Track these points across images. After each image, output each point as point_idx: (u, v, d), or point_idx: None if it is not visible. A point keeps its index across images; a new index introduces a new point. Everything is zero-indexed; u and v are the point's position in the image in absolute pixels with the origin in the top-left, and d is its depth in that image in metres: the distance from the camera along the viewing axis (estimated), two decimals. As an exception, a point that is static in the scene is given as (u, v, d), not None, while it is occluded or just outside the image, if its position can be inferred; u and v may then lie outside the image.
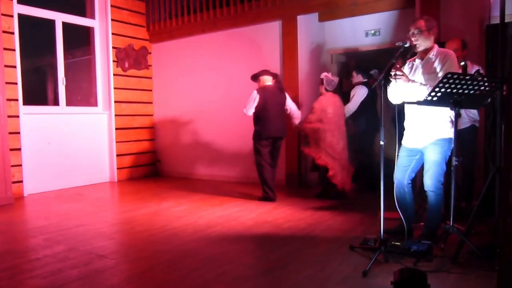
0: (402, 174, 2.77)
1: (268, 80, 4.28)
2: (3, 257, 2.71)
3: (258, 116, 4.20)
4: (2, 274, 2.39)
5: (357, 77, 4.69)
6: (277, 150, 4.33)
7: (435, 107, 2.53)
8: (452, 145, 2.58)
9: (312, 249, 2.77)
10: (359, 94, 4.52)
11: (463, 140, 3.22)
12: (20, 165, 4.80)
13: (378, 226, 2.55)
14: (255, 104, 4.17)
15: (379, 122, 4.55)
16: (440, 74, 2.53)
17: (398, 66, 2.48)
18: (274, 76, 4.32)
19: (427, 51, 2.65)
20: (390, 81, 2.50)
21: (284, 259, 2.58)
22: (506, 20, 2.68)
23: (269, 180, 4.24)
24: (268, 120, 4.17)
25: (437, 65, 2.58)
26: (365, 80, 4.62)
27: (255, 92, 4.20)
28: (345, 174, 4.23)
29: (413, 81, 2.58)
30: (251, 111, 4.21)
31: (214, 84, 5.65)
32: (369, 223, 3.31)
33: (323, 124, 4.15)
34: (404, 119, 2.75)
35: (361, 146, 4.66)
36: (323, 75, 4.29)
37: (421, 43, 2.61)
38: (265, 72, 4.29)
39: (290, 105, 4.34)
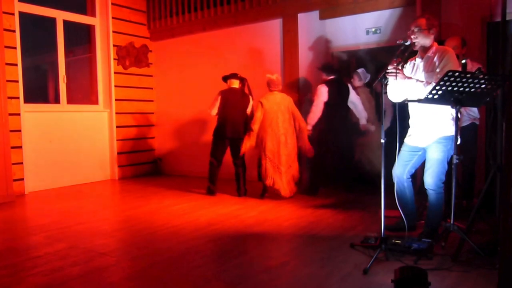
0: (401, 169, 2.77)
1: (235, 83, 4.48)
2: (5, 254, 2.71)
3: (218, 116, 4.42)
4: (4, 272, 2.40)
5: (323, 75, 4.51)
6: (238, 150, 4.36)
7: (436, 105, 2.53)
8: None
9: (313, 247, 2.77)
10: (319, 94, 4.33)
11: (464, 138, 3.21)
12: (21, 163, 4.81)
13: (378, 224, 2.55)
14: (217, 104, 4.39)
15: (348, 121, 4.45)
16: (438, 71, 2.53)
17: (395, 64, 2.47)
18: (241, 80, 4.48)
19: (426, 49, 2.65)
20: (388, 78, 2.49)
21: (285, 257, 2.59)
22: (507, 18, 2.67)
23: (212, 176, 4.48)
24: (225, 120, 4.35)
25: (435, 62, 2.58)
26: (329, 78, 4.42)
27: (218, 92, 4.44)
28: (278, 175, 4.14)
29: (410, 78, 2.58)
30: (214, 110, 4.44)
31: (214, 82, 5.64)
32: (369, 221, 3.31)
33: (262, 122, 4.20)
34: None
35: (326, 147, 4.39)
36: (267, 77, 4.31)
37: (420, 41, 2.61)
38: (234, 75, 4.51)
39: (249, 109, 4.44)
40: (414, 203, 2.87)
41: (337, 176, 4.54)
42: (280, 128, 4.17)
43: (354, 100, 4.44)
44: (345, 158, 4.52)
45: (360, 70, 4.78)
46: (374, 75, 4.82)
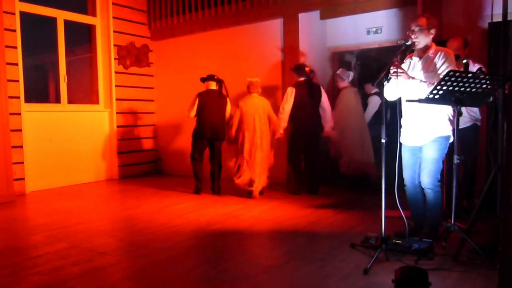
0: (411, 174, 2.77)
1: (212, 85, 4.59)
2: (5, 254, 2.72)
3: (197, 117, 4.54)
4: (4, 271, 2.40)
5: (295, 76, 4.58)
6: (216, 150, 4.55)
7: (433, 105, 2.53)
8: (450, 143, 2.59)
9: (313, 247, 2.77)
10: (284, 98, 4.42)
11: (465, 139, 3.21)
12: (22, 163, 4.81)
13: (379, 224, 2.55)
14: (195, 106, 4.51)
15: (317, 122, 4.45)
16: (440, 72, 2.53)
17: (397, 63, 2.48)
18: (218, 81, 4.58)
19: (425, 49, 2.65)
20: (389, 78, 2.49)
21: (285, 256, 2.58)
22: (509, 18, 2.67)
23: (197, 173, 4.62)
24: (204, 122, 4.47)
25: (436, 62, 2.59)
26: (300, 79, 4.43)
27: (196, 95, 4.56)
28: (252, 175, 4.26)
29: (413, 78, 2.58)
30: (192, 112, 4.56)
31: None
32: (370, 221, 3.31)
33: (240, 124, 4.34)
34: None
35: (299, 148, 4.46)
36: (247, 80, 4.44)
37: (420, 41, 2.61)
38: (211, 77, 4.62)
39: (227, 110, 4.59)
40: (424, 205, 2.87)
41: (319, 177, 4.57)
42: (257, 131, 4.28)
43: (325, 106, 4.49)
44: (321, 158, 4.59)
45: (339, 71, 4.76)
46: (376, 74, 4.80)
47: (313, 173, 4.49)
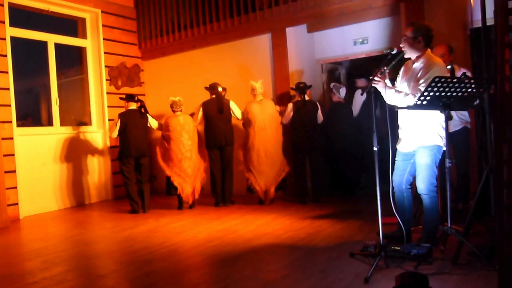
0: (399, 178, 2.80)
1: (132, 105, 4.78)
2: (0, 282, 2.66)
3: (121, 137, 4.68)
4: (0, 299, 2.35)
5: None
6: (144, 167, 4.74)
7: (423, 113, 2.57)
8: (442, 149, 2.61)
9: (313, 258, 2.76)
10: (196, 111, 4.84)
11: (456, 142, 3.26)
12: (15, 187, 4.76)
13: (377, 232, 2.56)
14: (117, 127, 4.64)
15: (229, 135, 4.71)
16: (421, 82, 2.55)
17: (379, 73, 2.52)
18: (138, 101, 4.79)
19: (417, 58, 2.69)
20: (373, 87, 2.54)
21: (285, 269, 2.57)
22: (488, 23, 2.76)
23: (132, 195, 4.68)
24: (128, 141, 4.62)
25: (421, 74, 2.60)
26: (211, 96, 4.76)
27: (117, 116, 4.71)
28: (185, 186, 4.62)
29: (389, 87, 2.63)
30: (114, 133, 4.70)
31: (206, 99, 5.69)
32: (368, 230, 3.31)
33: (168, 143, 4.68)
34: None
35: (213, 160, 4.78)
36: (170, 99, 4.76)
37: (407, 50, 2.67)
38: (131, 98, 4.82)
39: (150, 122, 4.85)
40: (411, 212, 2.89)
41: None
42: (185, 144, 4.64)
43: (239, 119, 4.80)
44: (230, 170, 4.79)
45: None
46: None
47: (225, 182, 4.75)
